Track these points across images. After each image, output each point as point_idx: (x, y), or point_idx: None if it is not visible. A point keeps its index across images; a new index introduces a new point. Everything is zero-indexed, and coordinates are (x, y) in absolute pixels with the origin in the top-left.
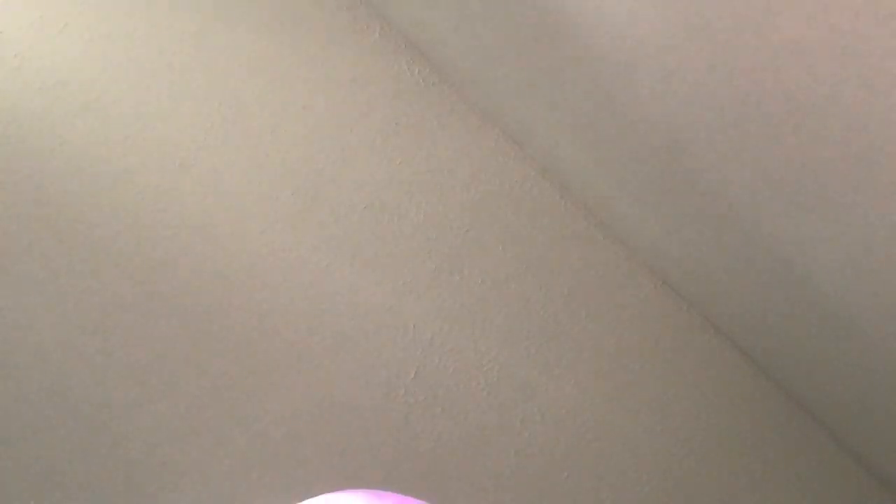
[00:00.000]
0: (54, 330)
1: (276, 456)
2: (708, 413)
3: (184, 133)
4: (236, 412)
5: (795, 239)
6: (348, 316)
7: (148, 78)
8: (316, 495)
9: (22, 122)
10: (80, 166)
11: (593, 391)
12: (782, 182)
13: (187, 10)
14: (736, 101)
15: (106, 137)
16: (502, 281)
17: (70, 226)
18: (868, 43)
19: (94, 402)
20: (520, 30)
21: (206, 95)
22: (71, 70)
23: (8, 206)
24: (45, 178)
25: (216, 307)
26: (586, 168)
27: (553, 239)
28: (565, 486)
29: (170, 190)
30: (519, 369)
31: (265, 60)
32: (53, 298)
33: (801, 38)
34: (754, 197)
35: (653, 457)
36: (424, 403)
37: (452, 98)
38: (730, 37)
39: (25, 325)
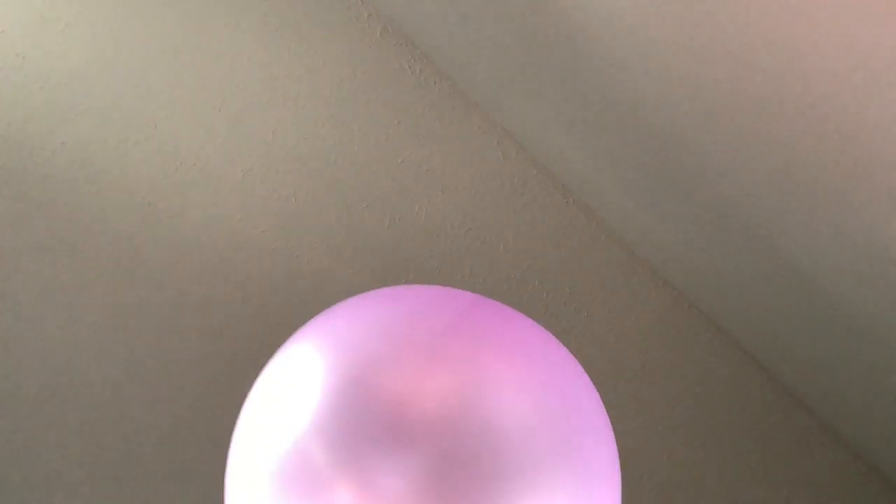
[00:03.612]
0: (54, 329)
1: None
2: (710, 412)
3: (184, 133)
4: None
5: (798, 238)
6: None
7: (149, 77)
8: None
9: (22, 122)
10: (80, 166)
11: None
12: (785, 181)
13: (188, 10)
14: (739, 101)
15: (106, 137)
16: (503, 280)
17: (70, 226)
18: (872, 42)
19: (98, 402)
20: (522, 28)
21: (206, 96)
22: (72, 70)
23: (8, 205)
24: (46, 178)
25: (217, 307)
26: (588, 167)
27: (554, 238)
28: None
29: (170, 190)
30: None
31: (266, 60)
32: (53, 298)
33: (805, 37)
34: (757, 196)
35: (655, 456)
36: None
37: (454, 97)
38: (733, 35)
39: (25, 325)
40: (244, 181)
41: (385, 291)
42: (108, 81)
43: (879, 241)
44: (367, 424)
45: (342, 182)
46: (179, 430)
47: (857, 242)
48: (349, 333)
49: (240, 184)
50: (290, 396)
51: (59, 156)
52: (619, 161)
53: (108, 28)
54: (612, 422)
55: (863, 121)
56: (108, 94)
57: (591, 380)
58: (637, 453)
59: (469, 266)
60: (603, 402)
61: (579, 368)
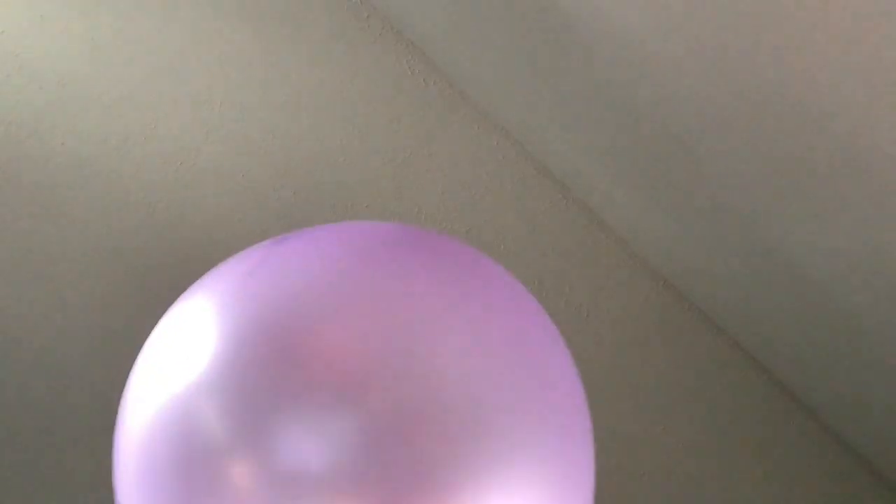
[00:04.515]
0: (53, 329)
1: None
2: (710, 413)
3: (184, 133)
4: None
5: (799, 239)
6: None
7: (148, 78)
8: None
9: (22, 122)
10: (80, 166)
11: (594, 391)
12: (785, 182)
13: (188, 10)
14: (738, 101)
15: (106, 137)
16: None
17: (71, 226)
18: (870, 42)
19: (91, 401)
20: (521, 29)
21: (206, 95)
22: (71, 70)
23: (8, 206)
24: (46, 179)
25: None
26: (588, 168)
27: (554, 239)
28: None
29: (170, 190)
30: None
31: (266, 60)
32: (53, 298)
33: (805, 36)
34: (757, 197)
35: (653, 456)
36: None
37: (454, 97)
38: (732, 35)
39: (24, 325)
40: (244, 181)
41: (306, 231)
42: (108, 81)
43: (880, 241)
44: (269, 382)
45: (342, 182)
46: None
47: (857, 242)
48: (252, 280)
49: (240, 184)
50: (180, 353)
51: (60, 156)
52: (619, 161)
53: (108, 28)
54: (611, 421)
55: (863, 120)
56: (108, 94)
57: (591, 380)
58: (636, 453)
59: None
60: (602, 401)
61: (540, 311)
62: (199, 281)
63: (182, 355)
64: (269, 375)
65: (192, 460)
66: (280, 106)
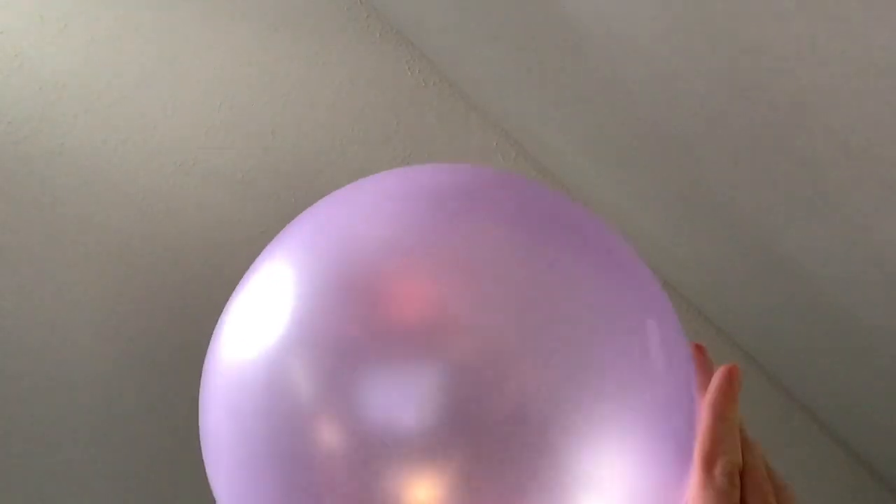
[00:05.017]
0: (52, 333)
1: None
2: None
3: (184, 133)
4: None
5: (799, 241)
6: None
7: (148, 78)
8: None
9: (22, 123)
10: (80, 167)
11: None
12: (786, 183)
13: (188, 10)
14: (739, 103)
15: (106, 138)
16: None
17: (70, 227)
18: (871, 43)
19: (89, 399)
20: (522, 29)
21: (206, 96)
22: (71, 70)
23: (7, 207)
24: (46, 180)
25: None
26: (588, 170)
27: None
28: None
29: (170, 190)
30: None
31: (265, 61)
32: (53, 300)
33: (804, 34)
34: (757, 199)
35: None
36: None
37: (454, 97)
38: (733, 37)
39: (23, 326)
40: (244, 181)
41: (379, 175)
42: (108, 82)
43: (880, 241)
44: (349, 333)
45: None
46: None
47: (856, 243)
48: (331, 229)
49: (240, 184)
50: (263, 311)
51: (59, 157)
52: (620, 164)
53: (108, 28)
54: None
55: (864, 119)
56: (107, 95)
57: None
58: None
59: None
60: None
61: (630, 249)
62: (277, 237)
63: (265, 313)
64: (350, 326)
65: (284, 420)
66: (280, 106)
